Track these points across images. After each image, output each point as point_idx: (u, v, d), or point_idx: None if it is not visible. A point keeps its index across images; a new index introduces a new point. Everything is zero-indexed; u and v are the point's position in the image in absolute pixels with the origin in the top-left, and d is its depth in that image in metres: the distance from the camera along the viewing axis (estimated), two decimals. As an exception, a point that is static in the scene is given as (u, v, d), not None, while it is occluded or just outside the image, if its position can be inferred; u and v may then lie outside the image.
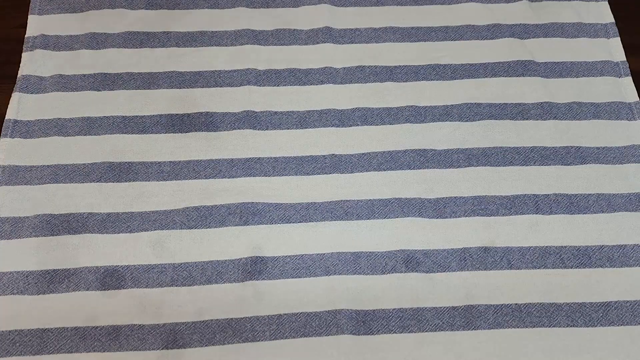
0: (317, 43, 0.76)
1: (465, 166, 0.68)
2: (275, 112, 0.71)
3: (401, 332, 0.58)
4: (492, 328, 0.59)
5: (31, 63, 0.73)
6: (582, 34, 0.78)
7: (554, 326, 0.59)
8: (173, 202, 0.65)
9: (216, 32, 0.76)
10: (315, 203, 0.65)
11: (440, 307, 0.60)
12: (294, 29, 0.77)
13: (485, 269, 0.62)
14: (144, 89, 0.72)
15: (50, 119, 0.69)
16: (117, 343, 0.57)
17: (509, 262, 0.62)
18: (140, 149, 0.68)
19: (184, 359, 0.57)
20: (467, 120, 0.71)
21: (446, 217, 0.64)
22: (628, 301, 0.60)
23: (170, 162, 0.67)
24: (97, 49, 0.74)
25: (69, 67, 0.73)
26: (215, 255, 0.62)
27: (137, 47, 0.75)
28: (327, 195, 0.65)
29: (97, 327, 0.58)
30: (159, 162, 0.67)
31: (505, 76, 0.74)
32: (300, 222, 0.64)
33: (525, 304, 0.60)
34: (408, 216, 0.64)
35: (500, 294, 0.60)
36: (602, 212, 0.65)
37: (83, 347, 0.57)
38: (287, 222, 0.64)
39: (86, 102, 0.70)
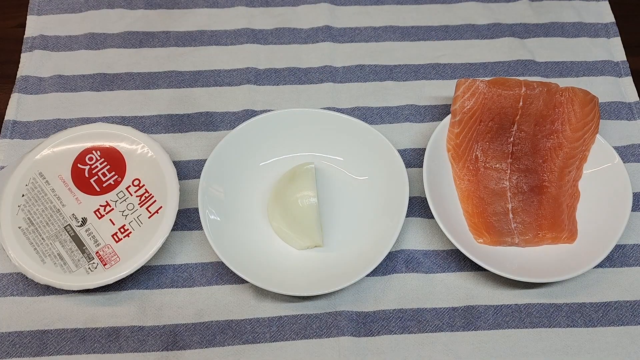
0: (317, 42, 0.76)
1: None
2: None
3: (401, 333, 0.58)
4: (492, 329, 0.59)
5: (30, 64, 0.72)
6: (582, 33, 0.78)
7: (554, 326, 0.59)
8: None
9: (216, 31, 0.76)
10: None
11: (440, 308, 0.60)
12: (294, 28, 0.77)
13: (484, 270, 0.62)
14: (144, 89, 0.72)
15: (49, 120, 0.69)
16: (117, 344, 0.57)
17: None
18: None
19: (184, 360, 0.57)
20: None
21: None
22: (628, 301, 0.60)
23: (169, 162, 0.67)
24: (96, 49, 0.74)
25: (69, 68, 0.72)
26: (215, 256, 0.62)
27: (136, 47, 0.74)
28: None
29: (97, 329, 0.58)
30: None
31: (506, 76, 0.74)
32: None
33: (525, 304, 0.60)
34: (408, 216, 0.64)
35: (500, 295, 0.60)
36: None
37: (83, 349, 0.57)
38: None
39: (86, 103, 0.70)
